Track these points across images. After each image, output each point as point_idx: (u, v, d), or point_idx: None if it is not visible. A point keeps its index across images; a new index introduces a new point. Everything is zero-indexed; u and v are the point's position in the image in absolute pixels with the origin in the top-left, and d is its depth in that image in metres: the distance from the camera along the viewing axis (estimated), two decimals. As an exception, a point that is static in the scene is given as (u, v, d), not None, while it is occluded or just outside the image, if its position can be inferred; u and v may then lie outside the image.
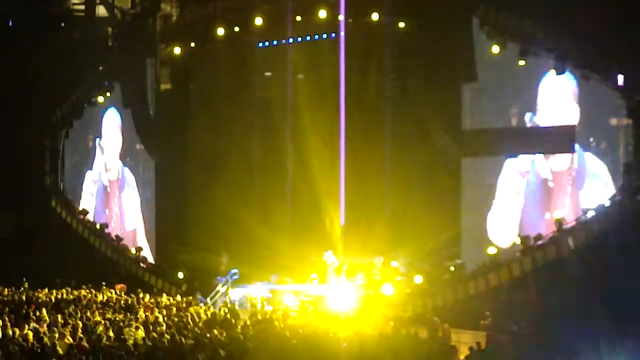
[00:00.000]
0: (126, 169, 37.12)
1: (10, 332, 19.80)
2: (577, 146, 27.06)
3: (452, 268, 28.19)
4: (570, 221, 26.41)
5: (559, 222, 26.56)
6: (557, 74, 26.80)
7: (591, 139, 26.89)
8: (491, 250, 27.41)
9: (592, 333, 20.40)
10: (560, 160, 27.66)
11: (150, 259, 35.30)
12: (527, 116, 28.11)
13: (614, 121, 26.42)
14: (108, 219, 37.67)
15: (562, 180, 27.48)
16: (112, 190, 37.73)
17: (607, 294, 23.46)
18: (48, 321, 22.26)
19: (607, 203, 25.72)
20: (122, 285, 31.52)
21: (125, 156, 37.20)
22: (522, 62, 27.31)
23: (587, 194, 26.86)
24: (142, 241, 36.36)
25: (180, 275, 33.17)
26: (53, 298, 27.15)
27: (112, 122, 37.47)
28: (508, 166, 28.68)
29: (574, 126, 27.08)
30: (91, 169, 38.56)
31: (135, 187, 36.84)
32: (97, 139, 38.27)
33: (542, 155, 27.98)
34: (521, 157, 28.49)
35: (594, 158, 26.82)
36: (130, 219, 37.08)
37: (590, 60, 25.86)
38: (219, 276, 32.09)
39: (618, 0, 24.86)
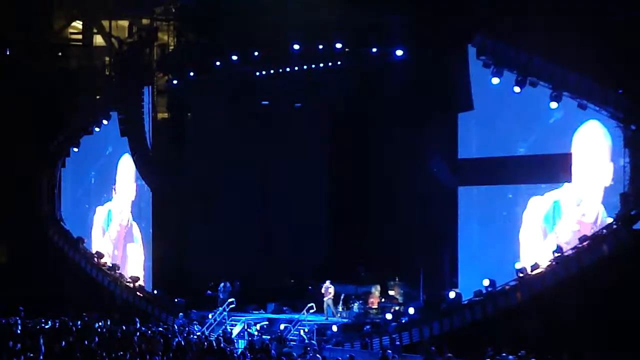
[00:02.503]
0: (134, 224, 37.05)
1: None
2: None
3: (451, 295, 28.06)
4: (567, 250, 26.39)
5: (555, 251, 26.58)
6: (557, 102, 26.77)
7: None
8: (486, 281, 27.28)
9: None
10: (589, 213, 27.37)
11: (147, 287, 35.16)
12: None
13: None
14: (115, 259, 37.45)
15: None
16: (120, 234, 37.66)
17: (606, 320, 23.55)
18: (44, 351, 22.14)
19: (604, 232, 25.77)
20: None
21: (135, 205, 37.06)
22: (517, 89, 27.22)
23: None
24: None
25: (177, 302, 33.08)
26: (49, 327, 27.01)
27: (126, 170, 37.37)
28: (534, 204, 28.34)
29: (570, 154, 27.16)
30: (102, 205, 38.38)
31: (140, 242, 36.73)
32: (113, 184, 38.08)
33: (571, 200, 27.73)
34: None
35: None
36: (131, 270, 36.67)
37: (587, 89, 25.96)
38: (216, 305, 32.08)
39: (614, 30, 24.97)
